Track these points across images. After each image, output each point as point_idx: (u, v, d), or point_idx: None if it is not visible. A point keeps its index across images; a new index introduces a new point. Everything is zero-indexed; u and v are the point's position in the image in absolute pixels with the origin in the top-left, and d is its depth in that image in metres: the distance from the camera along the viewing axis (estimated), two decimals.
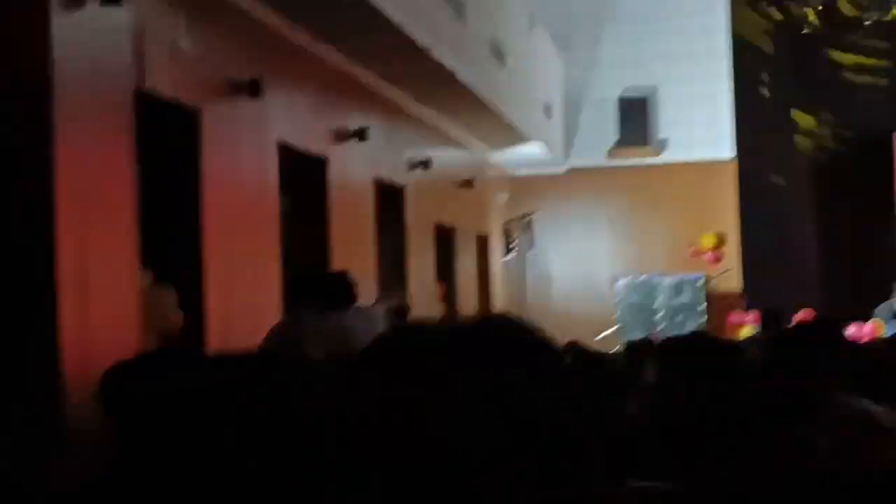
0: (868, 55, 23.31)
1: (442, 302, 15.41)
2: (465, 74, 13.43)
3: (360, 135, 12.45)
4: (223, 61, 9.55)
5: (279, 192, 10.72)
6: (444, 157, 16.25)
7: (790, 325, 7.32)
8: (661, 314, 19.11)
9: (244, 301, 9.61)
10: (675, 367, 5.36)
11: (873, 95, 24.06)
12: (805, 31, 22.26)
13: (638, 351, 8.52)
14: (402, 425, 1.24)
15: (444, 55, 12.45)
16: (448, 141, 16.63)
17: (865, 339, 11.99)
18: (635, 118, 20.80)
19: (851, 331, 16.53)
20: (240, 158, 9.93)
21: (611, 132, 20.92)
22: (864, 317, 18.69)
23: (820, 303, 22.15)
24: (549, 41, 19.68)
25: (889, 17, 21.74)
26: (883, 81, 23.93)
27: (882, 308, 18.65)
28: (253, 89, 9.78)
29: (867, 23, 21.77)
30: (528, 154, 19.44)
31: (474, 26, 14.00)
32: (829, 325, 5.49)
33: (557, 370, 1.31)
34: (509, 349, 1.28)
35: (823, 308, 21.42)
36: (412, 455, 1.23)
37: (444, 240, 16.50)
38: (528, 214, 20.09)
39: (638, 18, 20.91)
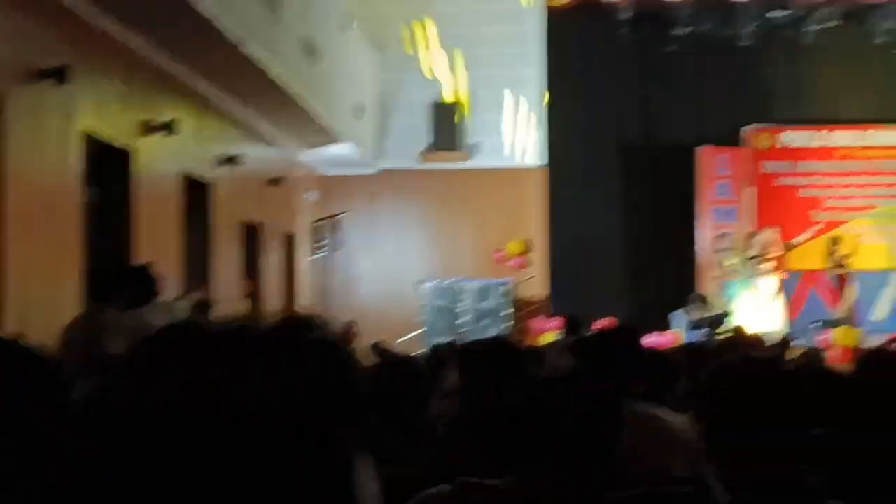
0: (678, 68, 23.80)
1: (246, 299, 15.28)
2: (276, 71, 13.33)
3: (169, 128, 12.28)
4: (29, 47, 9.31)
5: (83, 182, 10.50)
6: (254, 154, 16.12)
7: (592, 332, 7.42)
8: (465, 318, 19.22)
9: (43, 293, 9.38)
10: (477, 370, 5.39)
11: (680, 108, 24.60)
12: (616, 42, 22.63)
13: (442, 354, 8.56)
14: (205, 407, 1.21)
15: (256, 51, 12.33)
16: (258, 138, 16.50)
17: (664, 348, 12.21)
18: (447, 122, 20.89)
19: (651, 339, 16.86)
20: (43, 146, 9.70)
21: (423, 135, 20.98)
22: (667, 325, 19.11)
23: (624, 311, 22.56)
24: (364, 42, 19.65)
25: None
26: (690, 95, 24.48)
27: (676, 317, 19.10)
28: (59, 76, 9.56)
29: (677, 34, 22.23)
30: (339, 154, 19.40)
31: (288, 23, 13.91)
32: (629, 332, 5.59)
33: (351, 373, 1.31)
34: (298, 348, 1.27)
35: (627, 316, 21.83)
36: (216, 437, 1.20)
37: (251, 237, 16.37)
38: (337, 214, 20.03)
39: (453, 23, 21.02)
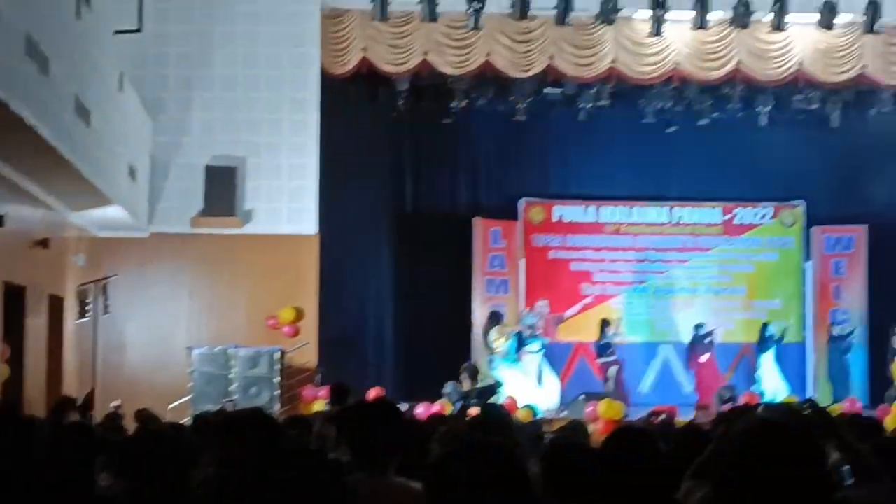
0: (455, 140, 24.12)
1: (6, 363, 14.84)
2: (45, 131, 13.01)
3: None
4: None
5: None
6: (20, 214, 15.71)
7: (355, 402, 7.41)
8: (235, 385, 19.02)
9: None
10: (234, 441, 5.34)
11: (457, 180, 24.95)
12: (393, 113, 22.78)
13: (208, 422, 8.47)
14: None
15: (24, 109, 12.03)
16: (25, 197, 16.10)
17: None
18: (222, 187, 20.69)
19: (420, 411, 16.90)
20: None
21: (196, 200, 20.72)
22: (438, 395, 19.19)
23: (398, 380, 22.63)
24: (138, 103, 19.39)
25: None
26: (467, 167, 24.87)
27: (449, 389, 19.22)
28: None
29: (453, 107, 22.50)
30: (110, 216, 19.04)
31: (58, 83, 13.61)
32: (389, 405, 5.59)
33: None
34: None
35: (400, 386, 21.91)
36: None
37: (15, 299, 15.91)
38: (106, 278, 19.65)
39: (230, 87, 20.89)
